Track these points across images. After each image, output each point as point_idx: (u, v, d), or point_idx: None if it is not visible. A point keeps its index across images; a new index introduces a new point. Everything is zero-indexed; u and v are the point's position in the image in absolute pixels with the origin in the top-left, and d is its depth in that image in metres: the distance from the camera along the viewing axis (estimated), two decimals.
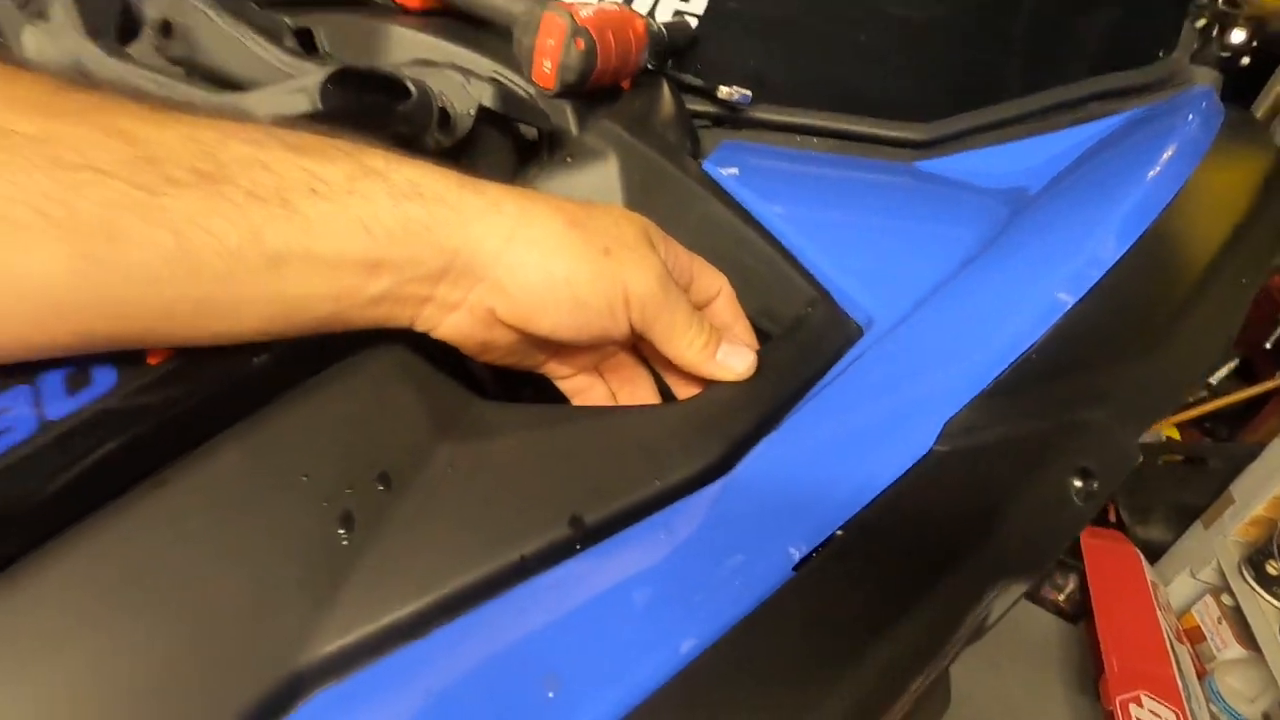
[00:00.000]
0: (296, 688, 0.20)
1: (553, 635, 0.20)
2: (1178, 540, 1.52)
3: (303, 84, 0.34)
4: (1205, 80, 0.58)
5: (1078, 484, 0.24)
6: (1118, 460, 0.24)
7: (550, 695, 0.18)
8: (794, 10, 0.62)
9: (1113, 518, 1.65)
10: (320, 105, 0.32)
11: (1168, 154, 0.47)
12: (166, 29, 0.45)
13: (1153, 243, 0.36)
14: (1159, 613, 1.36)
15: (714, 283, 0.34)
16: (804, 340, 0.32)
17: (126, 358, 0.21)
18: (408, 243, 0.24)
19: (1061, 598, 1.56)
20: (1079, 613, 1.52)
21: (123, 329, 0.20)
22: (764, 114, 0.57)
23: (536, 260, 0.26)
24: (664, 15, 0.63)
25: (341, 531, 0.21)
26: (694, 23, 0.61)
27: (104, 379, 0.21)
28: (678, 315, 0.30)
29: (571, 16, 0.45)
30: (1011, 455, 0.24)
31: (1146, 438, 1.79)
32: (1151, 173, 0.45)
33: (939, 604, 0.20)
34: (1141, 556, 1.50)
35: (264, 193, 0.21)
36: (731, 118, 0.59)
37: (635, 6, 0.64)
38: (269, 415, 0.22)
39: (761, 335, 0.35)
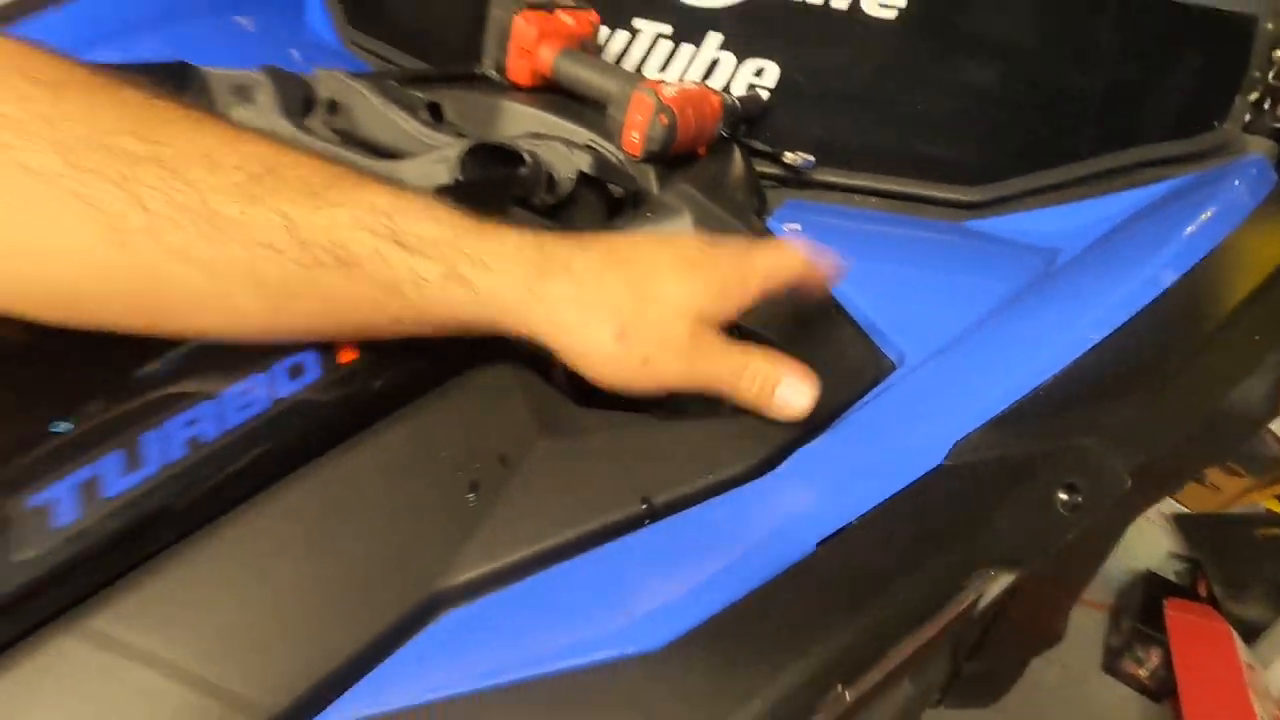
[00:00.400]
0: (433, 607, 0.27)
1: (629, 580, 0.26)
2: (1278, 620, 1.43)
3: (444, 155, 0.43)
4: (1258, 149, 0.61)
5: (1064, 497, 0.28)
6: (1106, 482, 0.28)
7: (626, 620, 0.24)
8: (857, 84, 0.69)
9: (1204, 592, 1.56)
10: (459, 175, 0.41)
11: (1206, 215, 0.50)
12: (333, 107, 0.56)
13: (1174, 295, 0.40)
14: (1253, 697, 1.28)
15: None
16: (844, 371, 0.37)
17: (326, 357, 0.29)
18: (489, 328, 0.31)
19: (1145, 673, 1.47)
20: (1163, 690, 1.44)
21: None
22: (825, 176, 0.64)
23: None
24: (740, 88, 0.71)
25: (470, 496, 0.28)
26: (765, 95, 0.69)
27: (312, 371, 0.29)
28: (725, 376, 0.33)
29: (657, 95, 0.54)
30: (1006, 469, 0.29)
31: (1243, 508, 1.69)
32: (1187, 231, 0.48)
33: (932, 575, 0.25)
34: (1235, 635, 1.41)
35: (389, 280, 0.29)
36: (796, 179, 0.65)
37: (714, 80, 0.72)
38: (422, 407, 0.30)
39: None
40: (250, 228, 0.26)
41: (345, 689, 0.24)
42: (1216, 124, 0.62)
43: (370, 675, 0.24)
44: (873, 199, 0.64)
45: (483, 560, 0.27)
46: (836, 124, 0.67)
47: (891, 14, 0.71)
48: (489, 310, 0.30)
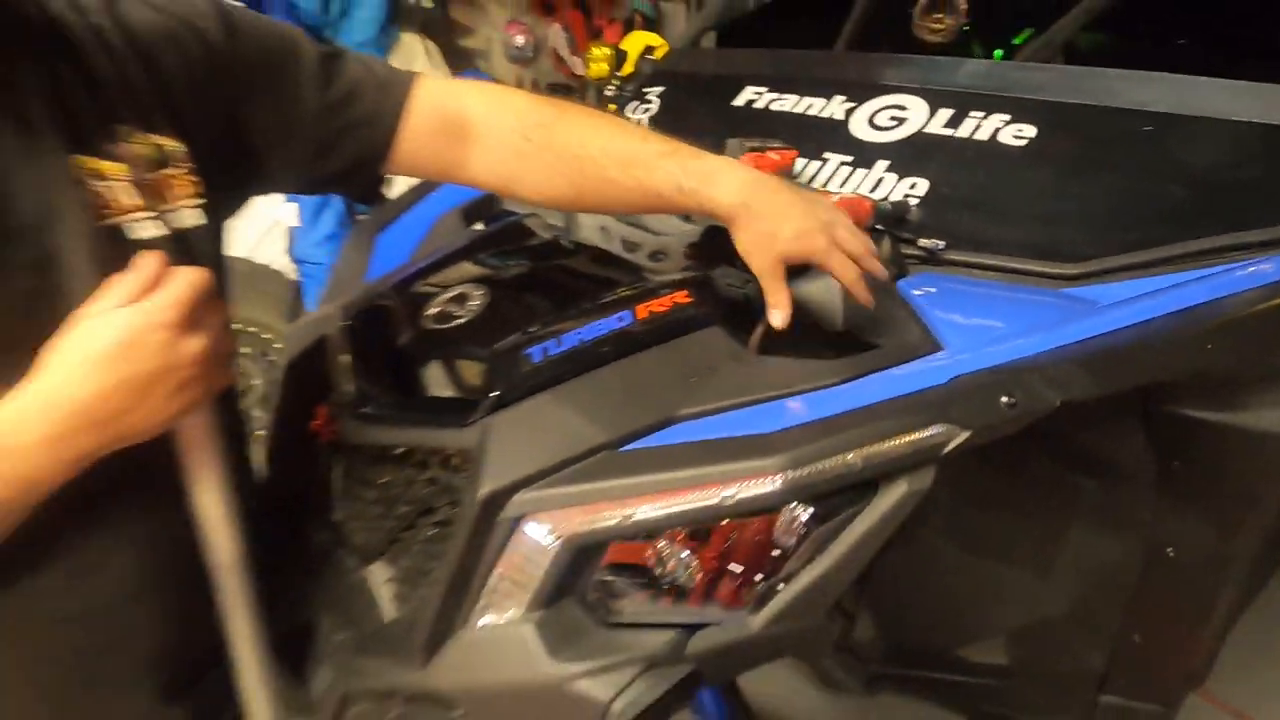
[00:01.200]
0: (670, 420, 0.58)
1: (773, 412, 0.55)
2: None
3: (692, 233, 0.79)
4: None
5: (1005, 400, 0.51)
6: (1036, 398, 0.50)
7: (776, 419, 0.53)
8: (987, 191, 0.94)
9: None
10: (692, 249, 0.76)
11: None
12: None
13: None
14: None
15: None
16: (897, 346, 0.64)
17: (633, 313, 0.64)
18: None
19: None
20: None
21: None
22: (950, 255, 0.88)
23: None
24: (896, 196, 0.99)
25: (693, 379, 0.60)
26: (914, 201, 0.96)
27: (627, 319, 0.64)
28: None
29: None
30: (973, 386, 0.53)
31: None
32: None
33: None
34: None
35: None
36: (931, 258, 0.90)
37: (878, 192, 1.01)
38: (676, 343, 0.63)
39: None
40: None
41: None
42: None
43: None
44: (990, 272, 0.87)
45: (696, 405, 0.58)
46: (967, 219, 0.92)
47: (1022, 143, 0.96)
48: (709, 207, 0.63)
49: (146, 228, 0.51)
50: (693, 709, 0.90)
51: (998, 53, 1.97)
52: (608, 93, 1.58)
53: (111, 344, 0.43)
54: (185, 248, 0.52)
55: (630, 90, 1.48)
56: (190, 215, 0.54)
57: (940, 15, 1.80)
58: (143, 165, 0.52)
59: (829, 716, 1.23)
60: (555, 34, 3.63)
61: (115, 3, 0.53)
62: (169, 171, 0.53)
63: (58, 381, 0.43)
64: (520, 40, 3.49)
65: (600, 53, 1.57)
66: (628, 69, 1.61)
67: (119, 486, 0.50)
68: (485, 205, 1.03)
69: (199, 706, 0.60)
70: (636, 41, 1.67)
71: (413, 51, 2.76)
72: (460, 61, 3.06)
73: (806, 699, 1.22)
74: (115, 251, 0.48)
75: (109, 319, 0.44)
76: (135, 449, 0.47)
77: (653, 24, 3.93)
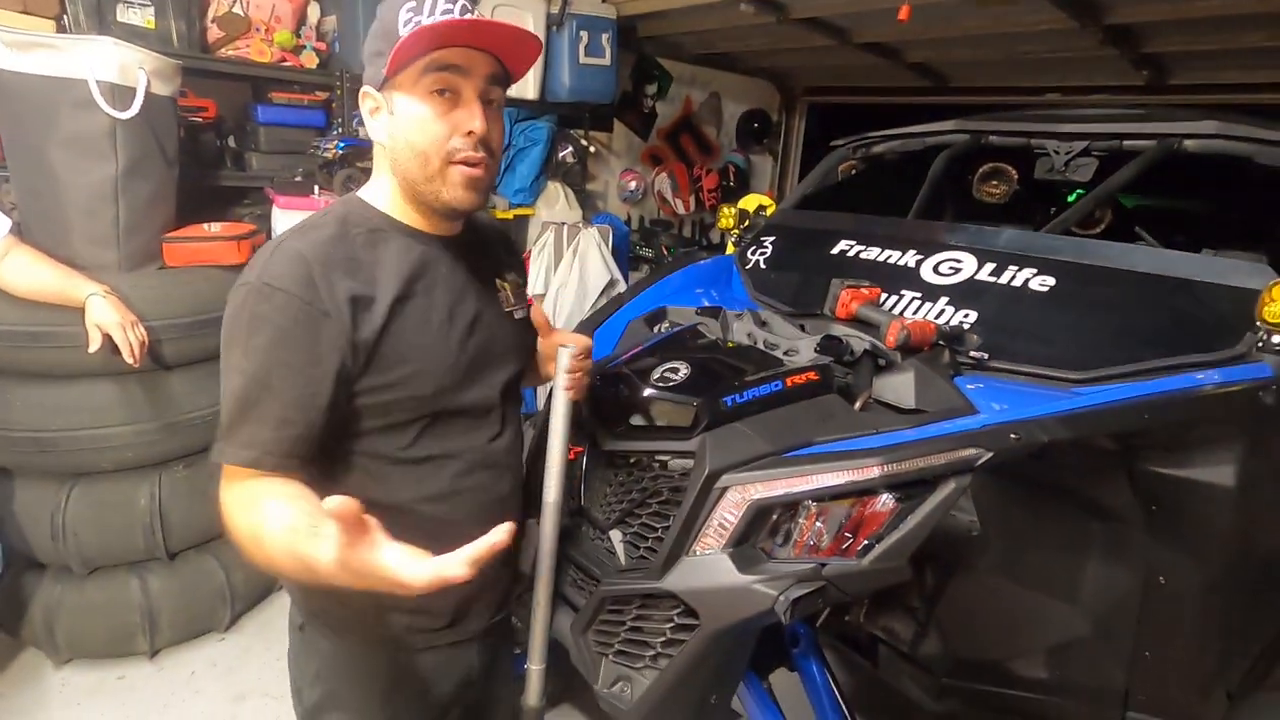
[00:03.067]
0: (808, 443, 0.98)
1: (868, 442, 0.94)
2: None
3: (812, 339, 1.22)
4: (1261, 359, 1.10)
5: (1013, 435, 0.89)
6: (1032, 435, 0.87)
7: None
8: (1020, 321, 1.34)
9: None
10: (818, 347, 1.18)
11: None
12: (761, 322, 1.40)
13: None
14: None
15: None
16: (948, 409, 1.02)
17: (781, 378, 1.06)
18: None
19: None
20: None
21: None
22: (992, 364, 1.27)
23: None
24: (953, 322, 1.40)
25: (822, 422, 1.00)
26: (966, 326, 1.37)
27: (774, 384, 1.06)
28: None
29: (903, 323, 1.26)
30: (994, 428, 0.91)
31: None
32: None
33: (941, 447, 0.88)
34: None
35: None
36: (978, 365, 1.29)
37: (941, 319, 1.42)
38: (808, 402, 1.04)
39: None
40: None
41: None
42: (1231, 345, 1.13)
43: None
44: (1019, 376, 1.25)
45: (825, 434, 0.97)
46: (1004, 340, 1.32)
47: (1045, 289, 1.36)
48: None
49: (516, 312, 0.99)
50: (801, 676, 1.24)
51: (1072, 195, 2.37)
52: (732, 240, 2.08)
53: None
54: (524, 326, 1.00)
55: (749, 238, 1.98)
56: (525, 311, 1.02)
57: (995, 182, 2.29)
58: (515, 286, 1.01)
59: None
60: (661, 180, 4.35)
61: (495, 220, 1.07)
62: (521, 291, 1.03)
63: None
64: (632, 185, 4.20)
65: (727, 210, 2.08)
66: (736, 221, 2.12)
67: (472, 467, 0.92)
68: (660, 315, 1.50)
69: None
70: (752, 201, 2.18)
71: (556, 194, 3.45)
72: (586, 201, 3.74)
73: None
74: (510, 323, 0.97)
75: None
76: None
77: (744, 174, 4.63)
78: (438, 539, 0.73)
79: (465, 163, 0.84)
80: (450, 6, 0.82)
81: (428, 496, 0.89)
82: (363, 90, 0.87)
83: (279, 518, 0.71)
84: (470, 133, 0.83)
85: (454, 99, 0.83)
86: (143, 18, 2.10)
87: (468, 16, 0.82)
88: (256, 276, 0.80)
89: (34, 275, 1.64)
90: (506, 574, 1.03)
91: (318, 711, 0.97)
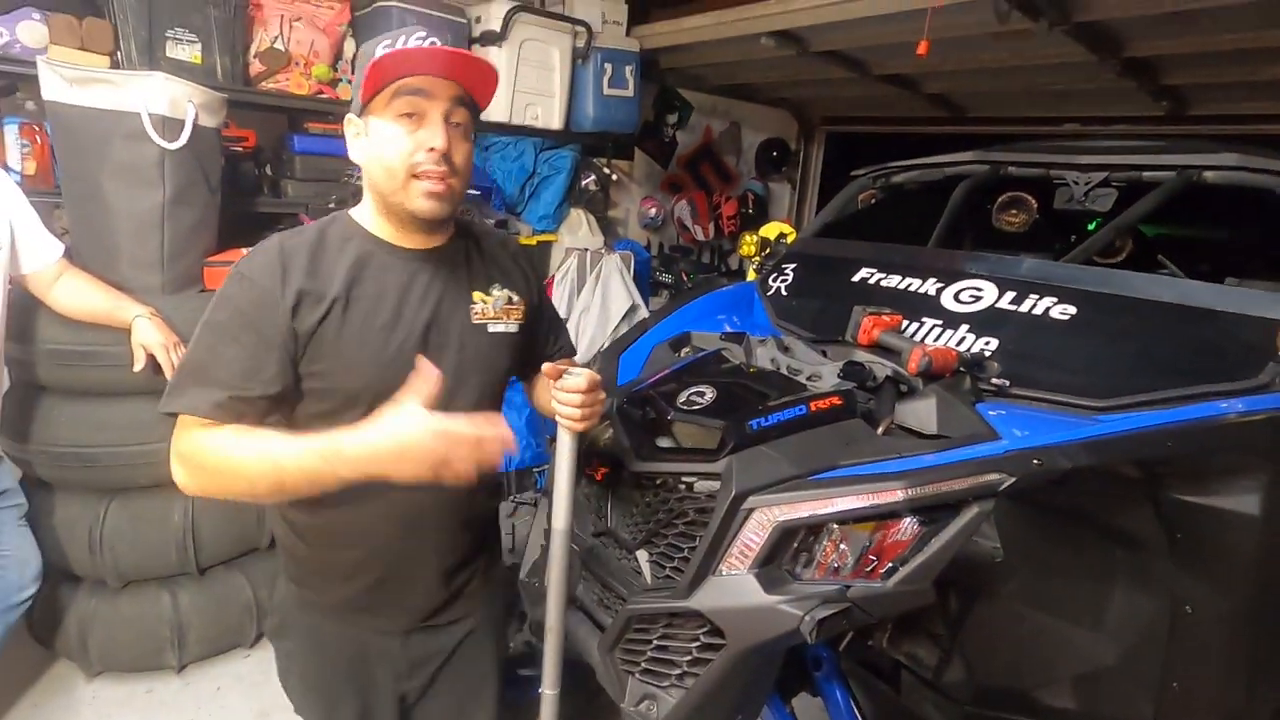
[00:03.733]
0: (836, 466, 1.00)
1: (891, 466, 0.96)
2: None
3: (835, 366, 1.24)
4: None
5: (1035, 461, 0.90)
6: (1054, 461, 0.89)
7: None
8: (1040, 349, 1.35)
9: None
10: (840, 373, 1.21)
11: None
12: (785, 349, 1.42)
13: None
14: None
15: None
16: (970, 435, 1.04)
17: (807, 402, 1.09)
18: None
19: None
20: None
21: None
22: (1013, 391, 1.28)
23: None
24: (976, 349, 1.42)
25: (846, 445, 1.02)
26: (987, 353, 1.39)
27: (800, 409, 1.09)
28: None
29: (924, 349, 1.29)
30: (1017, 454, 0.92)
31: None
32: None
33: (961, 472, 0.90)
34: None
35: None
36: (999, 392, 1.31)
37: (962, 346, 1.44)
38: (838, 424, 1.06)
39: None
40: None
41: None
42: (1254, 375, 1.13)
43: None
44: (1040, 403, 1.26)
45: (849, 458, 0.99)
46: (1025, 368, 1.33)
47: (1065, 318, 1.38)
48: None
49: (492, 325, 1.06)
50: (824, 701, 1.24)
51: (1092, 225, 2.36)
52: (753, 267, 2.12)
53: (407, 437, 0.82)
54: (502, 341, 1.07)
55: (771, 265, 2.02)
56: (514, 327, 1.09)
57: (1015, 211, 2.31)
58: (500, 299, 1.07)
59: None
60: (681, 207, 4.41)
61: (520, 248, 1.15)
62: (511, 307, 1.09)
63: (372, 436, 0.83)
64: (652, 212, 4.27)
65: (749, 237, 2.12)
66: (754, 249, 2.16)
67: None
68: (684, 340, 1.54)
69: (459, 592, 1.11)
70: (773, 229, 2.23)
71: (578, 221, 3.53)
72: (607, 228, 3.81)
73: None
74: (481, 335, 1.04)
75: (421, 423, 0.83)
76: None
77: (763, 201, 4.69)
78: (361, 531, 1.01)
79: (428, 176, 0.94)
80: (420, 42, 0.95)
81: (358, 487, 0.92)
82: (347, 118, 1.00)
83: (275, 439, 0.86)
84: (433, 149, 0.93)
85: (420, 120, 0.94)
86: (190, 54, 2.20)
87: (430, 47, 0.94)
88: (236, 266, 0.96)
89: (84, 297, 1.71)
90: (434, 583, 1.09)
91: (275, 633, 1.17)
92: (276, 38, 2.41)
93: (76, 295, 1.71)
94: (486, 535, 1.19)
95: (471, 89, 0.97)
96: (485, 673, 1.19)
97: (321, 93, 2.55)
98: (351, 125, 0.99)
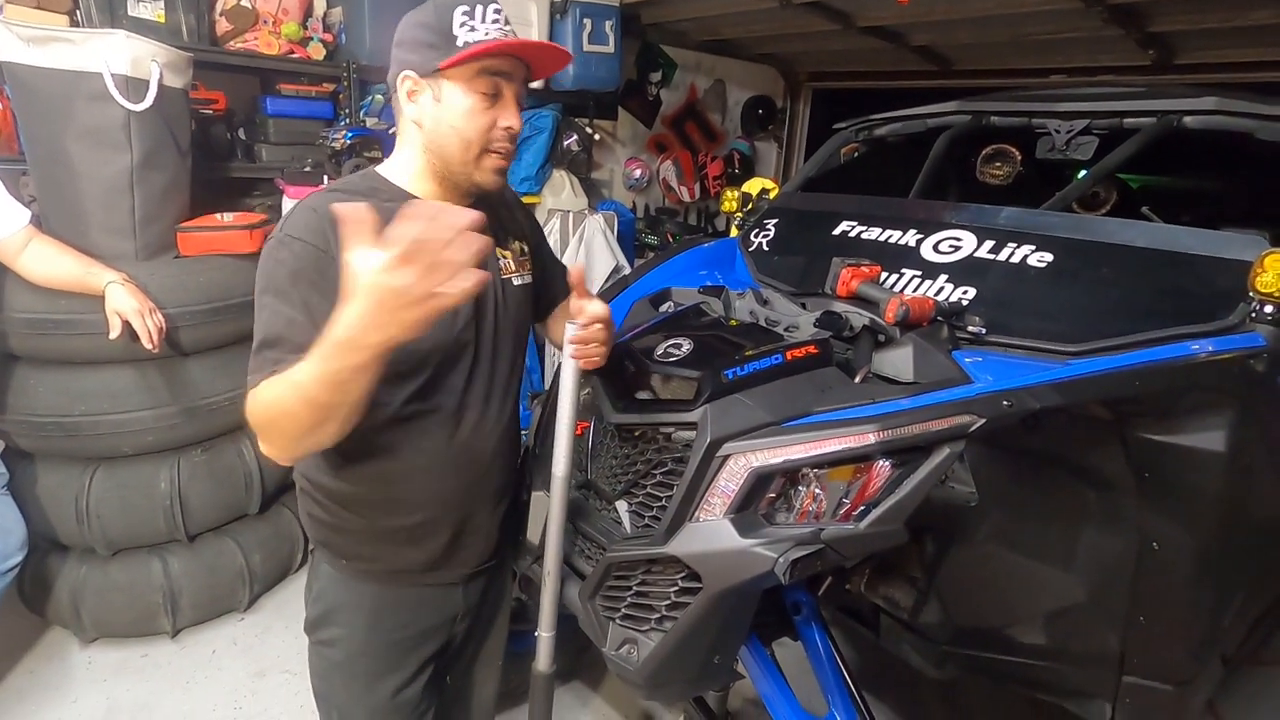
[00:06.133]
0: (806, 413, 1.01)
1: (865, 411, 0.97)
2: None
3: (812, 315, 1.24)
4: (1254, 329, 1.12)
5: (1005, 402, 0.92)
6: (1023, 402, 0.90)
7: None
8: (1017, 296, 1.36)
9: None
10: (816, 322, 1.21)
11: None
12: (763, 300, 1.42)
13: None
14: None
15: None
16: (944, 380, 1.05)
17: (784, 353, 1.09)
18: None
19: None
20: None
21: None
22: (990, 339, 1.29)
23: None
24: (954, 298, 1.42)
25: (821, 392, 1.03)
26: (965, 302, 1.39)
27: (777, 357, 1.09)
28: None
29: (901, 299, 1.29)
30: (987, 396, 0.93)
31: None
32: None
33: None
34: None
35: None
36: (976, 340, 1.32)
37: (941, 295, 1.44)
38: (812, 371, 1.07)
39: None
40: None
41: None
42: (1225, 316, 1.14)
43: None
44: (1016, 350, 1.27)
45: (824, 405, 1.00)
46: (1002, 315, 1.33)
47: (1043, 265, 1.38)
48: None
49: (515, 279, 1.09)
50: (804, 645, 1.27)
51: (1077, 175, 2.31)
52: (735, 223, 2.11)
53: (366, 281, 0.68)
54: (524, 293, 1.10)
55: (753, 220, 2.01)
56: (529, 278, 1.12)
57: (999, 164, 2.30)
58: (516, 252, 1.08)
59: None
60: (666, 168, 4.36)
61: (513, 192, 1.13)
62: (523, 259, 1.11)
63: (343, 308, 0.72)
64: (637, 173, 4.22)
65: (731, 193, 2.10)
66: (741, 204, 2.14)
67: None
68: (664, 296, 1.53)
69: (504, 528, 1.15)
70: (755, 185, 2.20)
71: (561, 182, 3.48)
72: (591, 189, 3.76)
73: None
74: (510, 289, 1.07)
75: (368, 258, 0.68)
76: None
77: (749, 161, 4.64)
78: (429, 492, 1.00)
79: (499, 152, 0.98)
80: (498, 16, 0.95)
81: (421, 450, 1.00)
82: (402, 74, 0.97)
83: (294, 369, 0.79)
84: (509, 127, 0.98)
85: (496, 97, 0.97)
86: (153, 11, 2.13)
87: (525, 39, 0.97)
88: (280, 229, 0.93)
89: (54, 265, 1.68)
90: (493, 526, 1.14)
91: (316, 625, 1.11)
92: None
93: (46, 262, 1.68)
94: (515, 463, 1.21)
95: (539, 69, 1.02)
96: (503, 613, 1.28)
97: (292, 52, 2.48)
98: (409, 82, 0.97)
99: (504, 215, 1.13)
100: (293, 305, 0.88)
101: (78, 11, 2.04)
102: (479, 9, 0.94)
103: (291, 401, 0.79)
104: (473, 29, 0.93)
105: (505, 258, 1.09)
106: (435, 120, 0.96)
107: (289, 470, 1.17)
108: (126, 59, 1.72)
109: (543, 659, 1.13)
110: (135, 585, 1.99)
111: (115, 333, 1.67)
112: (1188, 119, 1.58)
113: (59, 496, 1.90)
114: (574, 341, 1.02)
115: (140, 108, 1.76)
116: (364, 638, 1.08)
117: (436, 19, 0.94)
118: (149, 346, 1.69)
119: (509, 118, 0.97)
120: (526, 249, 1.15)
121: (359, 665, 1.09)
